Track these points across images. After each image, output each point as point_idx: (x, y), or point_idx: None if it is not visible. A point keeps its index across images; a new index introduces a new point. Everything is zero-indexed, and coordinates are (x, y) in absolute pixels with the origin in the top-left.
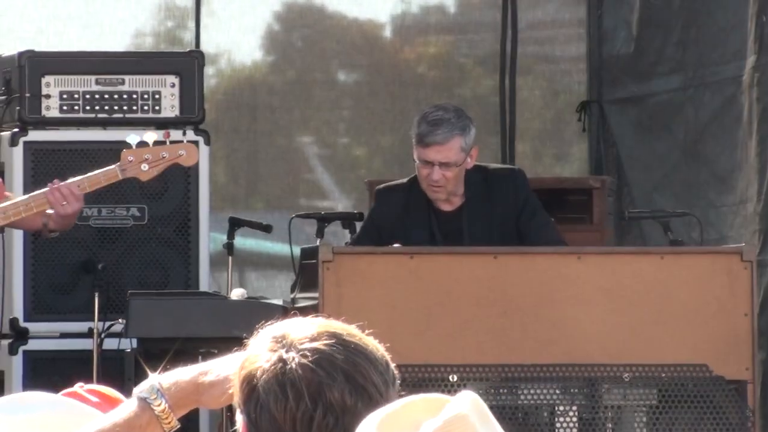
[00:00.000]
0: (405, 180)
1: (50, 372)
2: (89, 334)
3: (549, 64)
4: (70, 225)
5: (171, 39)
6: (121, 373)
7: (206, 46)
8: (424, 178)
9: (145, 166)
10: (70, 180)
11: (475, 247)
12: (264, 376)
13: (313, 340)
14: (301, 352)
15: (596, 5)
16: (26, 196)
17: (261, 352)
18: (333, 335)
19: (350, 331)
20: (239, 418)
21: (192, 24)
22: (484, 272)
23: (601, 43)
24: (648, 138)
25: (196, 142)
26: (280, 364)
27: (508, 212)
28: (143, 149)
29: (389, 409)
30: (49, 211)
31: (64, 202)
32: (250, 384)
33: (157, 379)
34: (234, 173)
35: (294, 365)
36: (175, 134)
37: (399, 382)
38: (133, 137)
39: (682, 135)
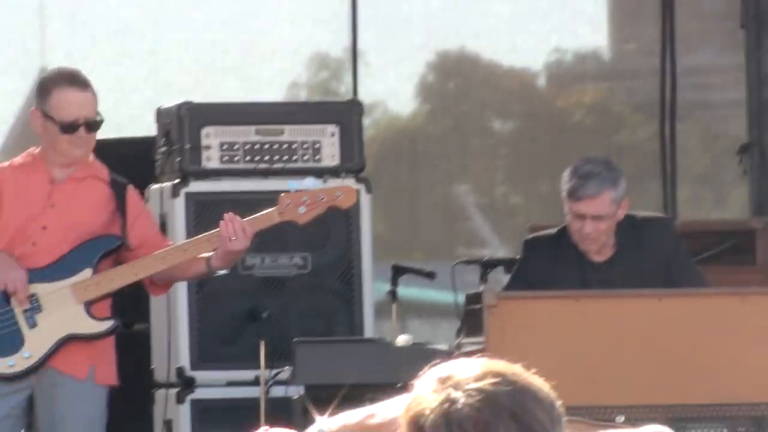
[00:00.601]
0: (554, 230)
1: (218, 420)
2: (256, 382)
3: (708, 110)
4: (232, 264)
5: (325, 90)
6: (288, 420)
7: (361, 96)
8: (576, 231)
9: (302, 209)
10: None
11: (639, 290)
12: (431, 416)
13: (478, 380)
14: (467, 393)
15: (755, 49)
16: (183, 242)
17: (427, 393)
18: (498, 374)
19: (515, 370)
20: None
21: (345, 75)
22: (649, 314)
23: (761, 85)
24: None
25: (357, 191)
26: (447, 405)
27: (659, 261)
28: (301, 192)
29: None
30: (205, 255)
31: (234, 237)
32: (417, 425)
33: (325, 423)
34: (393, 222)
35: (460, 405)
36: (336, 182)
37: (565, 420)
38: (292, 184)
39: None
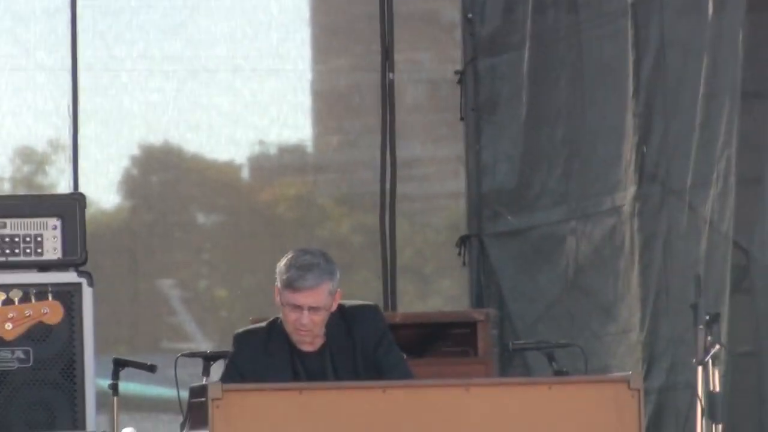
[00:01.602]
0: (264, 323)
1: None
2: None
3: (426, 201)
4: None
5: (28, 183)
6: None
7: (62, 190)
8: (292, 321)
9: (9, 325)
10: None
11: (363, 381)
12: None
13: None
14: None
15: (475, 140)
16: None
17: None
18: None
19: None
20: None
21: (49, 168)
22: (373, 406)
23: (480, 177)
24: (530, 270)
25: (79, 284)
26: None
27: (368, 346)
28: (7, 308)
29: None
30: None
31: None
32: None
33: None
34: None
35: None
36: (58, 276)
37: None
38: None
39: (564, 266)
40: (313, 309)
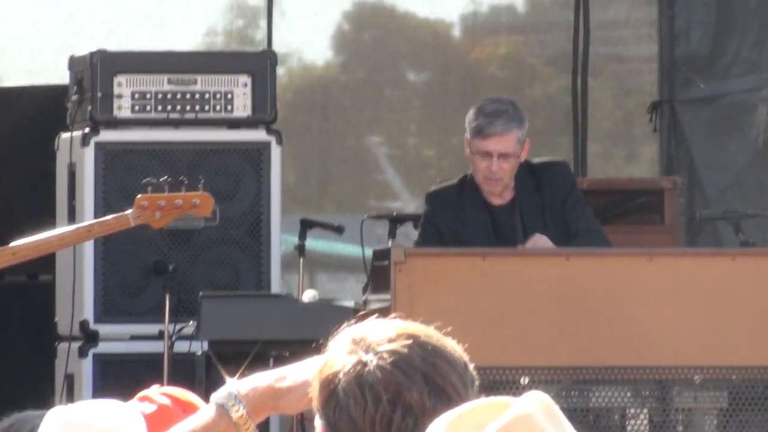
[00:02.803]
0: (454, 180)
1: (121, 375)
2: (160, 336)
3: (620, 64)
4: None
5: (242, 38)
6: (192, 376)
7: (276, 46)
8: (482, 170)
9: (158, 214)
10: (83, 224)
11: (548, 248)
12: (344, 379)
13: (391, 341)
14: (379, 355)
15: (668, 5)
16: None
17: (340, 355)
18: (411, 336)
19: (429, 332)
20: (318, 422)
21: (263, 23)
22: (556, 274)
23: (673, 43)
24: (720, 139)
25: (268, 142)
26: (359, 367)
27: (556, 201)
28: (158, 196)
29: (455, 412)
30: None
31: None
32: (329, 387)
33: (234, 386)
34: (304, 174)
35: (372, 368)
36: (248, 134)
37: (477, 383)
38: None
39: (755, 136)
40: (502, 156)
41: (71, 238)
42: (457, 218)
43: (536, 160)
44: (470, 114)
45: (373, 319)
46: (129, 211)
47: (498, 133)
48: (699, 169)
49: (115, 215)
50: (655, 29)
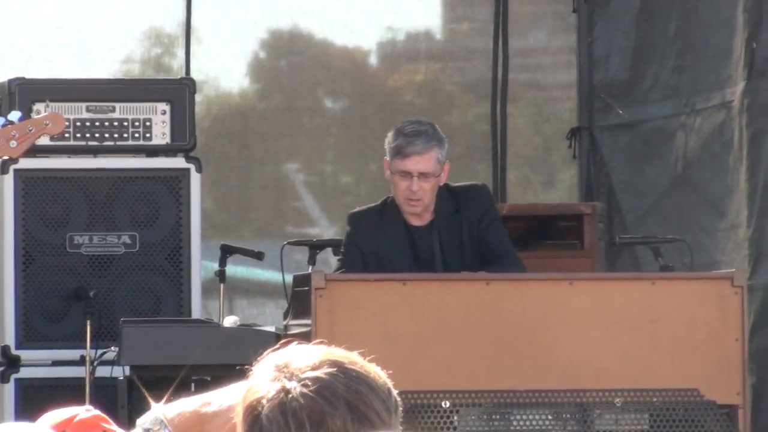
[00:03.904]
0: (377, 203)
1: (43, 400)
2: (82, 361)
3: (539, 91)
4: None
5: (159, 66)
6: (114, 401)
7: (194, 73)
8: (402, 190)
9: (13, 143)
10: None
11: (467, 273)
12: (267, 405)
13: (314, 368)
14: (302, 382)
15: (587, 32)
16: None
17: (264, 381)
18: (334, 363)
19: (352, 358)
20: None
21: (179, 51)
22: (477, 298)
23: (592, 69)
24: (639, 164)
25: (188, 170)
26: (282, 394)
27: (474, 223)
28: (8, 127)
29: None
30: None
31: None
32: (253, 414)
33: (161, 410)
34: (223, 201)
35: (296, 394)
36: (167, 161)
37: (401, 408)
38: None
39: (674, 161)
40: (422, 175)
41: None
42: (378, 238)
43: (457, 184)
44: (390, 135)
45: (296, 345)
46: None
47: (417, 153)
48: (618, 194)
49: None
50: (574, 56)
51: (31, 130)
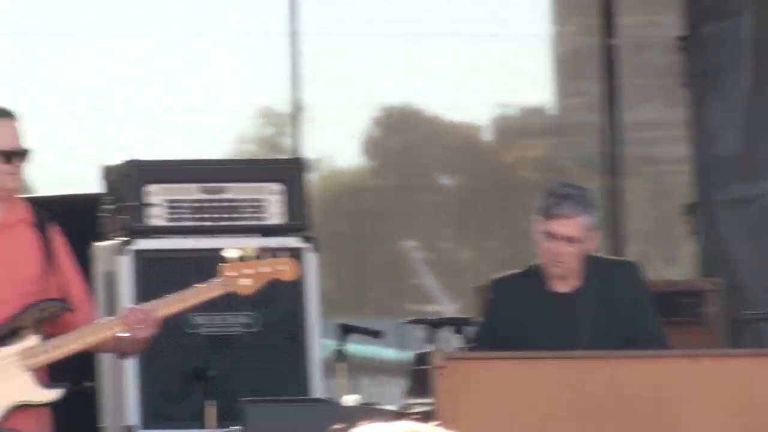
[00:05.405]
0: (521, 269)
1: None
2: None
3: (653, 165)
4: (141, 349)
5: (271, 145)
6: None
7: (306, 152)
8: (546, 251)
9: (246, 281)
10: (152, 303)
11: (587, 351)
12: None
13: None
14: None
15: (698, 106)
16: (103, 320)
17: None
18: None
19: None
20: None
21: (291, 130)
22: (598, 376)
23: (705, 143)
24: (758, 238)
25: (303, 249)
26: None
27: (626, 300)
28: (241, 264)
29: None
30: (124, 335)
31: (140, 326)
32: None
33: None
34: (340, 279)
35: None
36: (283, 240)
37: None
38: (231, 252)
39: None
40: (567, 239)
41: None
42: (521, 303)
43: (607, 256)
44: (540, 195)
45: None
46: (217, 282)
47: (564, 216)
48: (739, 269)
49: (197, 287)
50: (685, 129)
51: (264, 272)
